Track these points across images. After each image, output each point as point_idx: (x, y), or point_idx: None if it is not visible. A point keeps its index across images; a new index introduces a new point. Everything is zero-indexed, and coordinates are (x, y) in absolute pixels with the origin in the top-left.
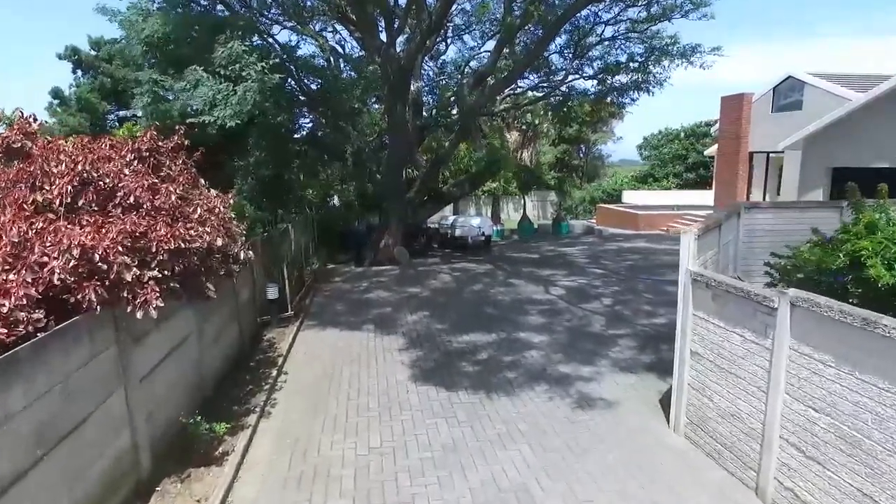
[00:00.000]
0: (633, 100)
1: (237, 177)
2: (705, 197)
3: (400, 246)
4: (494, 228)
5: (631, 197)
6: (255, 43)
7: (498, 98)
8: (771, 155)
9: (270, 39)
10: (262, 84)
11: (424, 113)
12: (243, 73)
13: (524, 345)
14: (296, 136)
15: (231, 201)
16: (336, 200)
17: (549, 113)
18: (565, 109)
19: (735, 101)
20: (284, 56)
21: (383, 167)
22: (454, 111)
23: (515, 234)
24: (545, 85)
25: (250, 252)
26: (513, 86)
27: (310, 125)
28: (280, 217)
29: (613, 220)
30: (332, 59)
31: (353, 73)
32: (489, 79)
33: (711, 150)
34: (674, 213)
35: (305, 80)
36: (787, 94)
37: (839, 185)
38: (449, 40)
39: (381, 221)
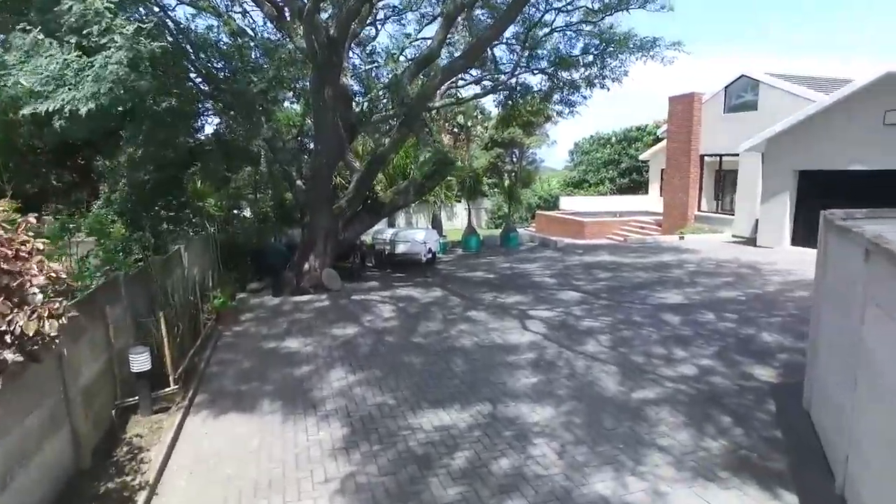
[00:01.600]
0: (584, 97)
1: (104, 183)
2: (643, 202)
3: (329, 268)
4: (440, 242)
5: (568, 203)
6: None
7: (438, 92)
8: (724, 158)
9: (161, 12)
10: (135, 54)
11: (356, 108)
12: (105, 42)
13: (522, 430)
14: (198, 133)
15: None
16: (248, 213)
17: (498, 110)
18: (511, 104)
19: (685, 102)
20: (179, 35)
21: (307, 171)
22: (390, 103)
23: (460, 248)
24: (489, 79)
25: (54, 325)
26: (453, 79)
27: (218, 122)
28: (168, 236)
29: (557, 228)
30: (238, 40)
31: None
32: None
33: (646, 154)
34: (617, 219)
35: (205, 62)
36: (741, 94)
37: (806, 189)
38: (380, 24)
39: (304, 238)
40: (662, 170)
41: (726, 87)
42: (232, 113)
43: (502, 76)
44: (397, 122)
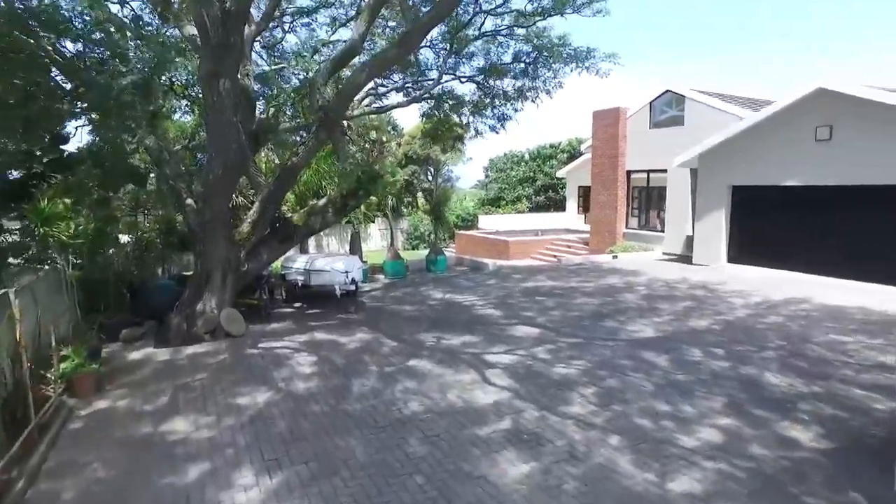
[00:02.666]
0: (516, 109)
1: None
2: (562, 219)
3: (230, 308)
4: (363, 270)
5: (487, 222)
6: None
7: (355, 100)
8: (651, 174)
9: None
10: None
11: (260, 114)
12: None
13: None
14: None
15: None
16: (126, 238)
17: (421, 121)
18: (437, 115)
19: (609, 117)
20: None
21: (200, 187)
22: (301, 111)
23: (381, 275)
24: (411, 86)
25: None
26: (373, 83)
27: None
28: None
29: (479, 248)
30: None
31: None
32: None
33: (563, 171)
34: (540, 238)
35: (54, 41)
36: (665, 110)
37: (740, 205)
38: (287, 25)
39: (197, 271)
40: (580, 187)
41: (651, 103)
42: (96, 116)
43: (428, 82)
44: (312, 130)
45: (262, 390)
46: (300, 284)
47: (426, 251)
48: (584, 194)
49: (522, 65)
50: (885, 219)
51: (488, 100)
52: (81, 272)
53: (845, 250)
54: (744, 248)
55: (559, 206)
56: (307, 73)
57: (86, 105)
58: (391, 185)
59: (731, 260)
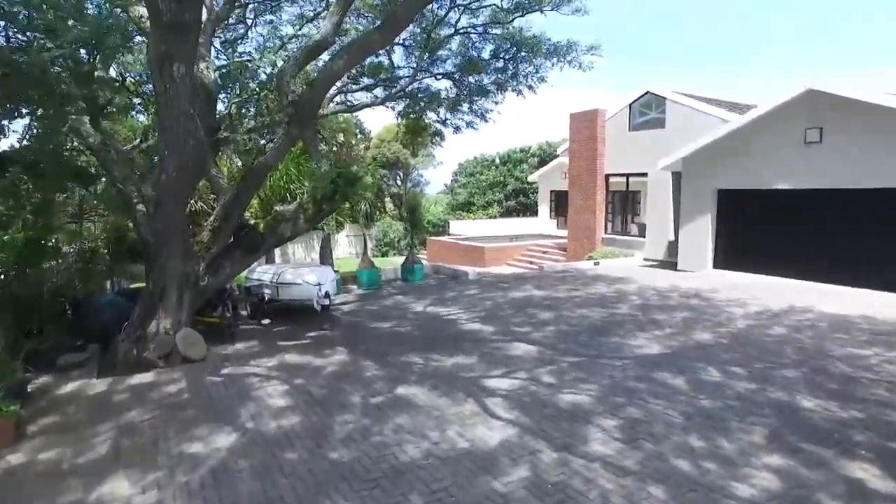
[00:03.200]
0: (496, 102)
1: None
2: (534, 225)
3: (188, 328)
4: (336, 281)
5: (459, 227)
6: None
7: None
8: (630, 177)
9: None
10: None
11: (223, 111)
12: None
13: None
14: None
15: None
16: (67, 249)
17: (398, 121)
18: (412, 113)
19: (587, 119)
20: None
21: (151, 190)
22: (265, 107)
23: (354, 285)
24: (383, 84)
25: None
26: (344, 80)
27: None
28: None
29: (453, 255)
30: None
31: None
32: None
33: (535, 175)
34: (516, 244)
35: None
36: (645, 112)
37: (727, 209)
38: (250, 21)
39: (149, 287)
40: (553, 191)
41: (630, 105)
42: (25, 110)
43: (403, 80)
44: (283, 126)
45: (225, 431)
46: (267, 299)
47: (396, 258)
48: (557, 199)
49: (501, 61)
50: (876, 223)
51: (465, 95)
52: (7, 289)
53: (837, 255)
54: (730, 254)
55: (531, 210)
56: (274, 67)
57: (11, 94)
58: (370, 189)
59: (717, 266)
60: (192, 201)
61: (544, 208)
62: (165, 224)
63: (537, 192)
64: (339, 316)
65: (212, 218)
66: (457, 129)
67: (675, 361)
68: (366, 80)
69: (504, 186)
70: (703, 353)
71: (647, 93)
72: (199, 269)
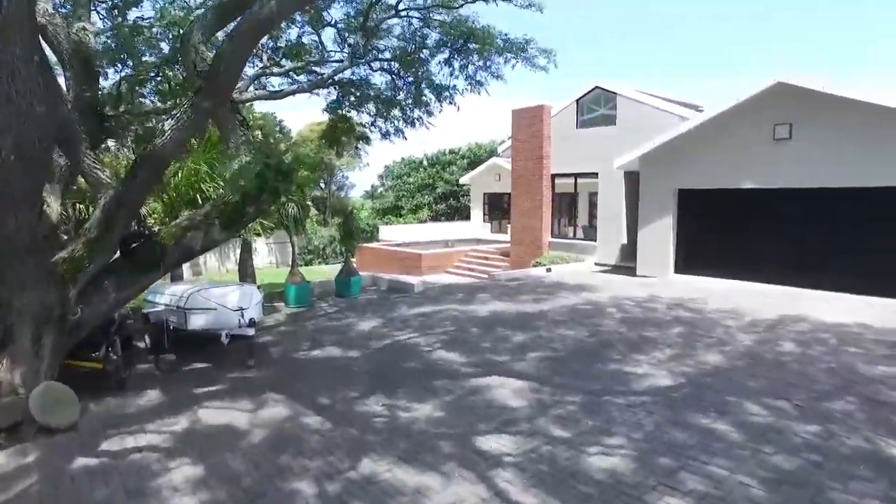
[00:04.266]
0: (450, 99)
1: None
2: (467, 229)
3: (51, 382)
4: (260, 304)
5: (389, 233)
6: None
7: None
8: (579, 178)
9: None
10: None
11: (107, 88)
12: None
13: None
14: None
15: None
16: None
17: (327, 110)
18: (342, 111)
19: (532, 115)
20: None
21: None
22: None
23: (282, 303)
24: (307, 71)
25: None
26: (264, 63)
27: None
28: None
29: (387, 263)
30: None
31: None
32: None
33: (466, 177)
34: (453, 250)
35: None
36: (594, 108)
37: (688, 210)
38: None
39: None
40: (486, 194)
41: (578, 101)
42: None
43: (334, 66)
44: (190, 98)
45: None
46: (171, 328)
47: (323, 267)
48: (491, 202)
49: (447, 52)
50: (849, 224)
51: (405, 92)
52: None
53: (807, 258)
54: (693, 258)
55: (462, 214)
56: (178, 32)
57: None
58: (310, 183)
59: (678, 270)
60: (53, 202)
61: (477, 212)
62: (8, 232)
63: (469, 195)
64: (268, 345)
65: (86, 226)
66: (385, 134)
67: (702, 395)
68: (287, 64)
69: (433, 189)
70: (727, 383)
71: (596, 88)
72: (68, 297)
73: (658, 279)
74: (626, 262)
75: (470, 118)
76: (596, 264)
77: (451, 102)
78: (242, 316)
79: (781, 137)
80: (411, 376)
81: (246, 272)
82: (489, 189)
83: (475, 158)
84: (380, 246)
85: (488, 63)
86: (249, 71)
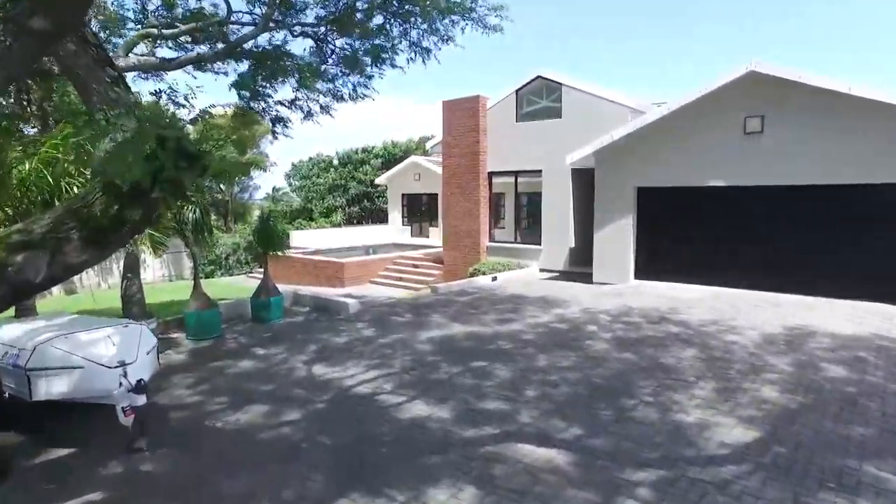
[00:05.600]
0: (380, 72)
1: None
2: (387, 233)
3: None
4: (156, 350)
5: (302, 239)
6: None
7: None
8: (520, 176)
9: None
10: None
11: None
12: None
13: None
14: None
15: None
16: None
17: (234, 88)
18: (255, 84)
19: (466, 108)
20: None
21: None
22: None
23: (182, 332)
24: (203, 37)
25: None
26: (151, 25)
27: None
28: None
29: (302, 274)
30: None
31: None
32: None
33: (382, 178)
34: (377, 257)
35: None
36: (536, 100)
37: (649, 210)
38: None
39: None
40: (405, 195)
41: (518, 91)
42: None
43: (243, 31)
44: (8, 26)
45: None
46: (6, 396)
47: (225, 280)
48: (411, 203)
49: (381, 16)
50: (826, 223)
51: (334, 59)
52: None
53: (780, 260)
54: (654, 262)
55: (378, 217)
56: None
57: None
58: (238, 171)
59: (638, 276)
60: None
61: (395, 214)
62: None
63: (384, 197)
64: (164, 411)
65: None
66: (308, 114)
67: (801, 458)
68: (181, 27)
69: (346, 190)
70: (815, 435)
71: (538, 78)
72: None
73: (619, 286)
74: (576, 267)
75: (382, 120)
76: (541, 270)
77: (392, 65)
78: (125, 375)
79: (753, 131)
80: (390, 453)
81: (131, 299)
82: (408, 190)
83: (391, 158)
84: (294, 254)
85: (434, 26)
86: (132, 31)
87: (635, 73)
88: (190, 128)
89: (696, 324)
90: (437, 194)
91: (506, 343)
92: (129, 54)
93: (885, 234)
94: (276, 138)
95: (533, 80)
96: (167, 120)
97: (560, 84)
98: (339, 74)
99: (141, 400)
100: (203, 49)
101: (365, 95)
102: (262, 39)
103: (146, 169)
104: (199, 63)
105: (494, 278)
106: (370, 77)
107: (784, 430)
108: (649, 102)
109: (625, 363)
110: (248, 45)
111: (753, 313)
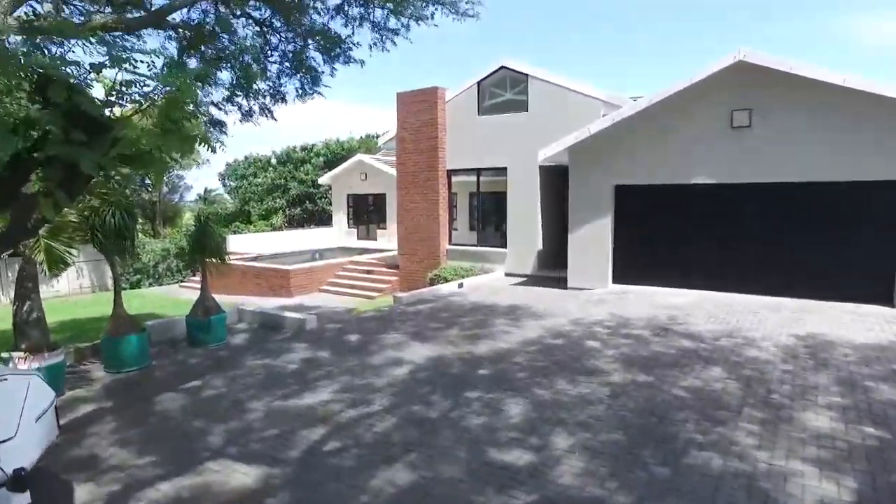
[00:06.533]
0: (348, 59)
1: None
2: (332, 236)
3: None
4: (52, 409)
5: (241, 244)
6: None
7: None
8: (482, 175)
9: None
10: None
11: None
12: None
13: None
14: None
15: None
16: None
17: (166, 71)
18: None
19: (424, 100)
20: None
21: None
22: None
23: (98, 361)
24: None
25: None
26: None
27: None
28: None
29: (243, 283)
30: None
31: None
32: None
33: (326, 177)
34: (324, 262)
35: None
36: (499, 92)
37: (630, 210)
38: None
39: None
40: (350, 195)
41: (480, 83)
42: None
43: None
44: None
45: None
46: None
47: (154, 291)
48: (357, 204)
49: None
50: (821, 223)
51: (281, 50)
52: None
53: (771, 262)
54: (633, 265)
55: (321, 219)
56: None
57: None
58: (177, 149)
59: (617, 280)
60: None
61: (340, 216)
62: None
63: (328, 197)
64: (68, 487)
65: None
66: (247, 114)
67: None
68: None
69: (286, 191)
70: None
71: (502, 68)
72: None
73: (598, 292)
74: (546, 271)
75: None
76: (507, 275)
77: (347, 61)
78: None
79: (740, 125)
80: None
81: (26, 322)
82: (354, 190)
83: (333, 157)
84: (234, 261)
85: (401, 6)
86: None
87: (604, 69)
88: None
89: (707, 336)
90: (384, 195)
91: (499, 366)
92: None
93: (879, 234)
94: (213, 151)
95: (496, 70)
96: (53, 70)
97: (526, 75)
98: (285, 72)
99: (21, 500)
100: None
101: (315, 92)
102: (196, 10)
103: (12, 144)
104: (118, 32)
105: (460, 285)
106: (318, 77)
107: (882, 480)
108: (625, 96)
109: (649, 390)
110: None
111: (757, 321)
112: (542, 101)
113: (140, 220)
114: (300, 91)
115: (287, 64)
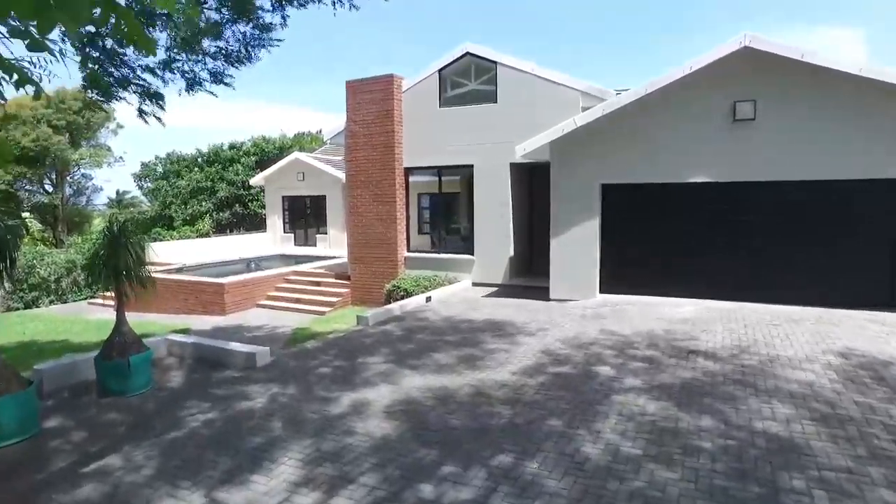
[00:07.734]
0: (268, 42)
1: None
2: (266, 243)
3: None
4: None
5: (164, 253)
6: None
7: None
8: (445, 174)
9: None
10: None
11: None
12: None
13: None
14: None
15: None
16: None
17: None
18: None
19: (378, 89)
20: None
21: None
22: None
23: None
24: None
25: None
26: None
27: None
28: None
29: (169, 300)
30: None
31: None
32: None
33: (258, 178)
34: (262, 274)
35: None
36: (463, 82)
37: (619, 211)
38: None
39: None
40: (286, 197)
41: (441, 71)
42: None
43: None
44: None
45: None
46: None
47: (55, 307)
48: (293, 207)
49: None
50: (827, 225)
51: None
52: None
53: (776, 268)
54: (624, 273)
55: (254, 223)
56: None
57: None
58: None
59: (604, 289)
60: None
61: (275, 220)
62: None
63: (260, 200)
64: None
65: None
66: (192, 84)
67: None
68: None
69: (213, 193)
70: None
71: (467, 54)
72: None
73: (588, 303)
74: (519, 280)
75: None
76: (475, 284)
77: (302, 4)
78: None
79: (743, 118)
80: None
81: None
82: (290, 191)
83: (264, 156)
84: (154, 273)
85: None
86: None
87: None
88: None
89: (736, 356)
90: (324, 196)
91: (508, 408)
92: None
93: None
94: (145, 121)
95: (460, 57)
96: None
97: (494, 63)
98: (226, 21)
99: None
100: None
101: (268, 44)
102: None
103: None
104: None
105: (428, 299)
106: (268, 26)
107: None
108: (609, 90)
109: (721, 438)
110: None
111: (783, 335)
112: (513, 91)
113: (39, 227)
114: (246, 43)
115: (226, 11)
